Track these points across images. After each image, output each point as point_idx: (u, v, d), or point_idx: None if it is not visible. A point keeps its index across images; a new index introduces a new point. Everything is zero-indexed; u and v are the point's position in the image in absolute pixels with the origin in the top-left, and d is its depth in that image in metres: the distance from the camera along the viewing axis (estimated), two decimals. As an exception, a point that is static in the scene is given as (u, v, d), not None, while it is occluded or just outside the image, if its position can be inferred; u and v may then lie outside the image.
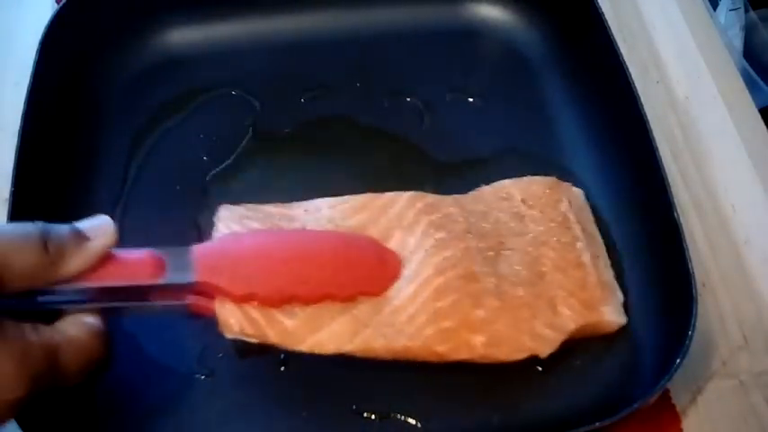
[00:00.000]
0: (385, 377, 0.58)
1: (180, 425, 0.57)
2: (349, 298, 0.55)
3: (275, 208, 0.60)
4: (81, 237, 0.48)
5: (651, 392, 0.53)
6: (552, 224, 0.61)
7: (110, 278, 0.49)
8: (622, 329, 0.60)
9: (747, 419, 0.59)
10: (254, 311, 0.53)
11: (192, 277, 0.52)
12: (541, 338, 0.56)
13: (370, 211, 0.60)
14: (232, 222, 0.58)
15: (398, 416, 0.57)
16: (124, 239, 0.65)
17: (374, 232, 0.59)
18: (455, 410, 0.57)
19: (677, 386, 0.59)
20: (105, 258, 0.49)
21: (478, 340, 0.55)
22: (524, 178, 0.64)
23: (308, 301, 0.54)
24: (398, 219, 0.59)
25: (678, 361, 0.53)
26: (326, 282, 0.55)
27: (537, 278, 0.58)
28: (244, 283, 0.53)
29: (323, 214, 0.60)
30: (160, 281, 0.51)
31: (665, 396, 0.59)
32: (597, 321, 0.58)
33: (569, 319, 0.57)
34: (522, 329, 0.56)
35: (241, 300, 0.53)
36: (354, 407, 0.57)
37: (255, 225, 0.58)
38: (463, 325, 0.55)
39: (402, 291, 0.56)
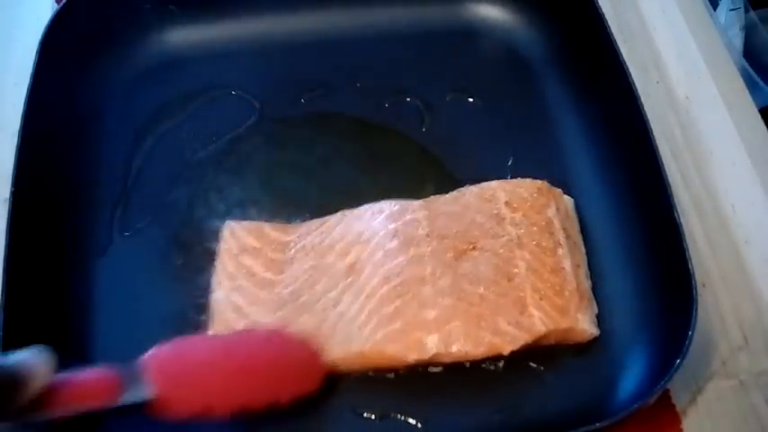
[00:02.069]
0: (385, 377, 0.59)
1: (182, 425, 0.57)
2: (286, 401, 0.55)
3: (274, 231, 0.64)
4: (17, 378, 0.44)
5: (651, 392, 0.53)
6: (534, 228, 0.61)
7: (64, 406, 0.46)
8: (623, 330, 0.60)
9: (747, 419, 0.59)
10: None
11: (147, 394, 0.49)
12: (504, 335, 0.57)
13: (341, 227, 0.63)
14: (231, 243, 0.62)
15: (398, 416, 0.57)
16: (124, 239, 0.66)
17: (338, 249, 0.62)
18: (455, 410, 0.57)
19: (677, 386, 0.59)
20: (58, 386, 0.46)
21: (431, 339, 0.57)
22: (513, 180, 0.64)
23: (255, 407, 0.53)
24: (359, 234, 0.62)
25: (678, 361, 0.53)
26: (269, 388, 0.55)
27: (503, 278, 0.59)
28: (198, 399, 0.51)
29: (309, 240, 0.63)
30: (116, 403, 0.48)
31: (665, 396, 0.59)
32: (570, 328, 0.58)
33: (540, 322, 0.57)
34: (483, 326, 0.57)
35: (191, 413, 0.51)
36: (354, 407, 0.58)
37: (254, 245, 0.62)
38: (412, 326, 0.57)
39: (353, 304, 0.59)
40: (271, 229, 0.64)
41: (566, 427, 0.52)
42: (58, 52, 0.70)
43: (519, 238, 0.61)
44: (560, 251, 0.61)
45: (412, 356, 0.57)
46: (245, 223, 0.64)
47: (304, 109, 0.74)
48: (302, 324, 0.58)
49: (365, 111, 0.73)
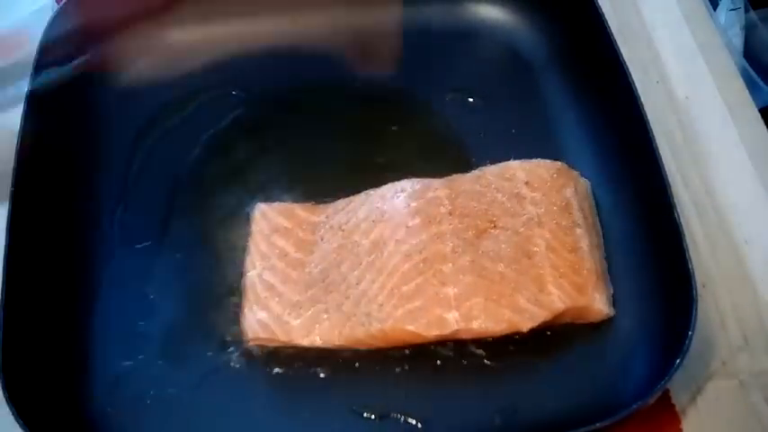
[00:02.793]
0: (385, 377, 0.59)
1: (182, 425, 0.57)
2: None
3: (303, 211, 0.65)
4: None
5: (651, 392, 0.53)
6: (554, 207, 0.62)
7: None
8: (623, 330, 0.60)
9: (747, 419, 0.59)
10: (267, 318, 0.59)
11: None
12: (523, 312, 0.58)
13: (365, 207, 0.64)
14: (264, 224, 0.64)
15: (398, 416, 0.57)
16: (126, 238, 0.66)
17: (362, 228, 0.62)
18: (455, 410, 0.57)
19: (677, 386, 0.59)
20: None
21: (452, 316, 0.57)
22: (532, 160, 0.65)
23: None
24: (382, 213, 0.63)
25: (678, 361, 0.53)
26: None
27: (524, 256, 0.59)
28: None
29: (336, 220, 0.64)
30: None
31: (665, 396, 0.59)
32: (586, 306, 0.59)
33: (558, 299, 0.58)
34: (503, 303, 0.58)
35: None
36: (354, 407, 0.58)
37: (285, 225, 0.64)
38: (433, 303, 0.58)
39: (374, 282, 0.59)
40: (301, 210, 0.65)
41: (566, 427, 0.52)
42: (58, 52, 0.70)
43: (538, 217, 0.61)
44: (578, 231, 0.61)
45: (432, 333, 0.57)
46: (276, 204, 0.65)
47: (305, 109, 0.74)
48: (329, 303, 0.59)
49: (366, 110, 0.73)
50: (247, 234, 0.64)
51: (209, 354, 0.60)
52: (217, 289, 0.63)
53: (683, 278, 0.57)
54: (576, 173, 0.65)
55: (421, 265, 0.59)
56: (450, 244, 0.60)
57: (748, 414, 0.59)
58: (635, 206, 0.64)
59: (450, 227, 0.60)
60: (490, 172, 0.64)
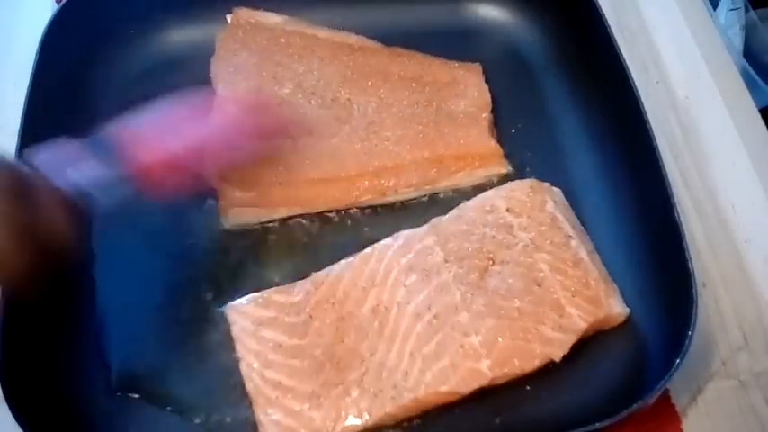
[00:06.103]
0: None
1: (182, 425, 0.57)
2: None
3: (279, 295, 0.60)
4: None
5: (651, 393, 0.53)
6: (542, 227, 0.61)
7: None
8: (622, 330, 0.60)
9: (747, 419, 0.59)
10: (285, 419, 0.55)
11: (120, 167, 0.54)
12: (552, 342, 0.56)
13: (349, 274, 0.60)
14: (244, 322, 0.59)
15: (398, 416, 0.57)
16: (126, 236, 0.66)
17: (354, 297, 0.59)
18: (455, 411, 0.57)
19: (677, 386, 0.59)
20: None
21: (484, 364, 0.55)
22: (505, 186, 0.64)
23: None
24: (371, 277, 0.59)
25: (678, 361, 0.53)
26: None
27: (534, 285, 0.58)
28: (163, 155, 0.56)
29: (321, 295, 0.60)
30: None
31: (665, 396, 0.59)
32: (606, 316, 0.58)
33: (579, 319, 0.57)
34: (531, 338, 0.56)
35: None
36: (354, 407, 0.57)
37: (268, 315, 0.59)
38: (461, 357, 0.55)
39: (390, 350, 0.56)
40: (276, 295, 0.60)
41: (566, 427, 0.52)
42: (58, 52, 0.70)
43: (532, 241, 0.60)
44: (573, 243, 0.61)
45: (470, 387, 0.55)
46: (246, 299, 0.60)
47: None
48: (347, 382, 0.56)
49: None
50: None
51: (209, 354, 0.60)
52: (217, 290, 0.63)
53: (682, 278, 0.57)
54: (546, 184, 0.64)
55: (434, 321, 0.57)
56: (458, 292, 0.58)
57: (748, 414, 0.59)
58: (635, 206, 0.64)
59: (451, 274, 0.58)
60: (469, 208, 0.62)
